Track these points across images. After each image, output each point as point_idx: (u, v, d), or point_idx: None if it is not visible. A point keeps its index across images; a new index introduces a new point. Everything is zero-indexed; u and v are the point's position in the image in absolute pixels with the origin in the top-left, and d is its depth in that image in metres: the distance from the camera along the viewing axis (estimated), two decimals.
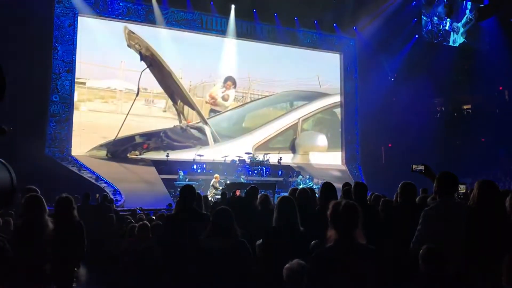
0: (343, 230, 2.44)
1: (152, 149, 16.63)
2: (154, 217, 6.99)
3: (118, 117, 16.35)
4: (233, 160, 16.38)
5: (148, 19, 16.79)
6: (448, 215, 3.27)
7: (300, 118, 19.53)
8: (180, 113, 17.37)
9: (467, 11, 19.96)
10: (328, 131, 20.14)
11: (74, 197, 4.65)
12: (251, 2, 17.84)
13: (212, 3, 17.52)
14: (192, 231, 3.74)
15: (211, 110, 18.05)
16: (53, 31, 15.22)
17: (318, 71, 20.01)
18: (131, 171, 15.76)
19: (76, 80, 15.64)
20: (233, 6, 17.76)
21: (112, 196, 12.50)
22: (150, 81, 16.82)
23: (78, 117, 15.66)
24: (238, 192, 7.83)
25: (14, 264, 3.45)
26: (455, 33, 19.97)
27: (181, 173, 15.13)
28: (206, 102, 17.95)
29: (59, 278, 4.44)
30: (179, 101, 17.34)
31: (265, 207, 5.25)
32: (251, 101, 18.90)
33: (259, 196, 5.55)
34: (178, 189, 13.36)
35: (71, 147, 15.27)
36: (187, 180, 14.64)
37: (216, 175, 14.36)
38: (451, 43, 19.94)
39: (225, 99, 18.37)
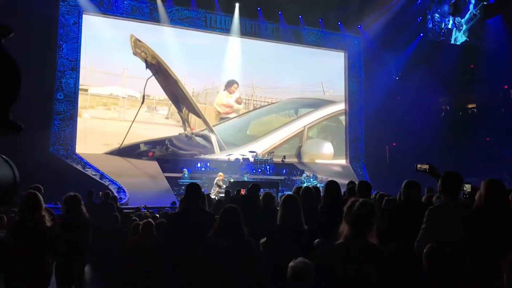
0: (356, 228, 2.42)
1: (157, 157, 16.59)
2: (158, 215, 7.00)
3: (120, 124, 16.29)
4: (237, 159, 16.40)
5: (152, 17, 16.79)
6: (452, 215, 3.25)
7: (305, 125, 19.43)
8: (185, 120, 17.27)
9: (471, 6, 19.81)
10: (334, 139, 20.02)
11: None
12: (256, 0, 17.83)
13: (216, 1, 17.50)
14: (197, 229, 3.75)
15: (221, 118, 18.04)
16: (58, 29, 15.25)
17: (322, 72, 19.93)
18: (136, 168, 15.77)
19: (80, 87, 15.63)
20: (237, 4, 17.74)
21: (116, 194, 12.53)
22: (153, 88, 16.74)
23: (81, 123, 15.60)
24: (243, 191, 7.81)
25: (15, 258, 3.47)
26: (457, 30, 19.84)
27: (186, 171, 15.14)
28: (220, 113, 17.90)
29: (65, 273, 4.53)
30: (184, 108, 17.28)
31: (267, 205, 5.27)
32: (255, 108, 18.82)
33: (262, 194, 5.56)
34: (183, 187, 13.42)
35: (75, 145, 15.29)
36: (190, 178, 14.65)
37: (220, 173, 14.39)
38: (452, 41, 19.82)
39: (239, 102, 18.39)
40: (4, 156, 0.81)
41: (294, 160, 18.64)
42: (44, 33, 14.44)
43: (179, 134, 17.11)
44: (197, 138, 17.38)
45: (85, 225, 4.58)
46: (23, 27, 12.23)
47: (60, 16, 15.32)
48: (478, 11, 19.77)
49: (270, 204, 5.33)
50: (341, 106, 20.31)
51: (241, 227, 3.35)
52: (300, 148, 19.30)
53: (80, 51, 15.58)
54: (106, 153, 15.87)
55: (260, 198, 5.52)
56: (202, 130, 17.53)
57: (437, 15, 19.47)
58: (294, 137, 19.24)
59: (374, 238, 2.44)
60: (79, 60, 15.57)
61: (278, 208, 3.96)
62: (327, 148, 19.78)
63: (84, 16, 15.75)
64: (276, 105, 19.17)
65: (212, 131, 17.57)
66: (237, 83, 18.26)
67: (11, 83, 0.70)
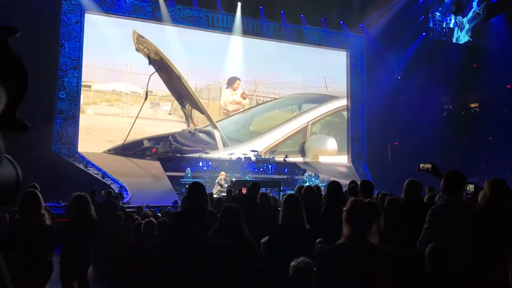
0: (357, 228, 2.42)
1: (161, 153, 16.58)
2: (160, 214, 7.00)
3: (124, 120, 16.30)
4: (238, 158, 16.39)
5: (154, 16, 16.80)
6: (455, 214, 3.24)
7: (309, 121, 19.39)
8: (188, 116, 17.24)
9: (474, 4, 19.69)
10: (337, 134, 19.98)
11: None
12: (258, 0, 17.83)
13: (218, 0, 17.49)
14: (198, 229, 3.74)
15: (229, 116, 18.06)
16: (60, 28, 15.27)
17: (325, 70, 19.91)
18: (138, 167, 15.79)
19: (82, 83, 15.64)
20: (239, 4, 17.73)
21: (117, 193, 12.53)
22: (156, 83, 16.74)
23: (84, 120, 15.62)
24: (244, 190, 7.81)
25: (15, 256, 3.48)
26: (459, 29, 19.76)
27: (189, 170, 15.13)
28: (229, 111, 17.91)
29: (70, 271, 4.57)
30: (188, 104, 17.25)
31: (265, 204, 5.31)
32: (258, 104, 18.79)
33: (258, 195, 5.60)
34: (186, 186, 13.42)
35: (77, 144, 15.32)
36: (193, 177, 14.64)
37: (222, 172, 14.40)
38: (454, 41, 19.75)
39: (244, 97, 18.40)
40: (7, 155, 0.81)
41: (296, 157, 18.62)
42: (46, 32, 14.44)
43: (183, 130, 17.11)
44: (201, 134, 17.37)
45: (93, 225, 4.63)
46: (25, 26, 12.23)
47: (62, 15, 15.34)
48: (482, 9, 19.66)
49: (267, 203, 5.39)
50: (344, 102, 20.29)
51: (241, 226, 3.35)
52: (303, 144, 19.27)
53: (82, 50, 15.60)
54: (110, 150, 15.90)
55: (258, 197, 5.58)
56: (205, 126, 17.52)
57: (438, 13, 19.39)
58: (297, 133, 19.21)
59: (374, 238, 2.44)
60: (81, 59, 15.59)
61: (279, 207, 3.96)
62: (331, 143, 19.73)
63: (86, 15, 15.76)
64: (279, 101, 19.16)
65: (215, 127, 17.55)
66: (239, 79, 18.28)
67: (18, 83, 0.71)
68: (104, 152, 15.79)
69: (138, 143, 16.33)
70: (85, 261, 4.77)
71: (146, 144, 16.48)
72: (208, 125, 17.53)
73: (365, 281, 2.37)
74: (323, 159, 19.31)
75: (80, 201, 4.57)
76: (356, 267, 2.38)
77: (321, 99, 19.81)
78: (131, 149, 16.17)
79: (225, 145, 17.55)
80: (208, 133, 17.48)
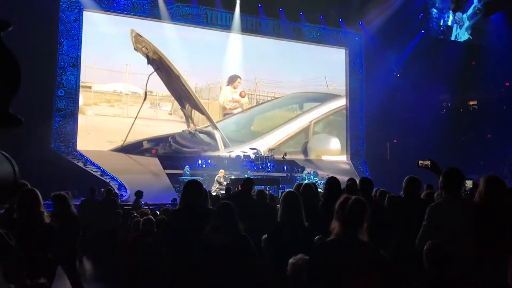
0: (347, 224, 2.42)
1: (161, 154, 16.56)
2: (158, 212, 7.01)
3: (124, 120, 16.26)
4: (238, 156, 16.39)
5: (153, 14, 16.77)
6: (454, 212, 3.25)
7: (311, 121, 19.33)
8: (188, 117, 17.16)
9: (475, 0, 19.60)
10: (339, 133, 19.95)
11: (66, 192, 5.06)
12: None
13: None
14: (198, 226, 3.74)
15: (226, 114, 17.97)
16: (59, 26, 15.24)
17: (323, 68, 19.88)
18: (137, 165, 15.77)
19: (81, 84, 15.61)
20: (238, 1, 17.71)
21: (117, 191, 12.53)
22: (155, 84, 16.69)
23: (84, 121, 15.60)
24: (240, 187, 7.81)
25: (16, 257, 3.47)
26: (458, 27, 19.71)
27: (187, 168, 15.12)
28: (226, 108, 17.85)
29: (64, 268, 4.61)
30: (187, 105, 17.18)
31: (261, 201, 5.33)
32: (258, 104, 18.72)
33: (255, 192, 5.60)
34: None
35: (76, 141, 15.31)
36: (191, 175, 14.63)
37: (221, 170, 14.39)
38: (453, 38, 19.72)
39: (242, 96, 18.34)
40: (4, 153, 0.81)
41: (296, 156, 18.58)
42: (45, 30, 14.41)
43: (183, 131, 17.03)
44: (201, 135, 17.28)
45: (75, 221, 4.77)
46: (23, 24, 12.21)
47: (60, 12, 15.31)
48: (482, 5, 19.56)
49: (264, 200, 5.41)
50: (345, 101, 20.25)
51: (236, 223, 3.35)
52: (306, 144, 19.20)
53: (81, 48, 15.58)
54: (109, 151, 15.85)
55: (254, 194, 5.58)
56: (205, 127, 17.45)
57: (435, 10, 19.31)
58: (300, 133, 19.13)
59: (365, 235, 2.44)
60: (80, 57, 15.56)
61: (277, 204, 3.96)
62: (334, 143, 19.67)
63: (84, 12, 15.74)
64: (280, 100, 19.09)
65: (216, 127, 17.48)
66: (240, 77, 18.24)
67: (11, 77, 0.70)
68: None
69: (137, 144, 16.29)
70: (72, 257, 4.82)
71: (146, 145, 16.43)
72: (208, 126, 17.47)
73: (354, 278, 2.37)
74: (323, 157, 19.29)
75: (58, 200, 4.63)
76: (346, 263, 2.38)
77: (322, 98, 19.75)
78: (131, 150, 16.11)
79: (226, 145, 17.48)
80: (208, 134, 17.41)
